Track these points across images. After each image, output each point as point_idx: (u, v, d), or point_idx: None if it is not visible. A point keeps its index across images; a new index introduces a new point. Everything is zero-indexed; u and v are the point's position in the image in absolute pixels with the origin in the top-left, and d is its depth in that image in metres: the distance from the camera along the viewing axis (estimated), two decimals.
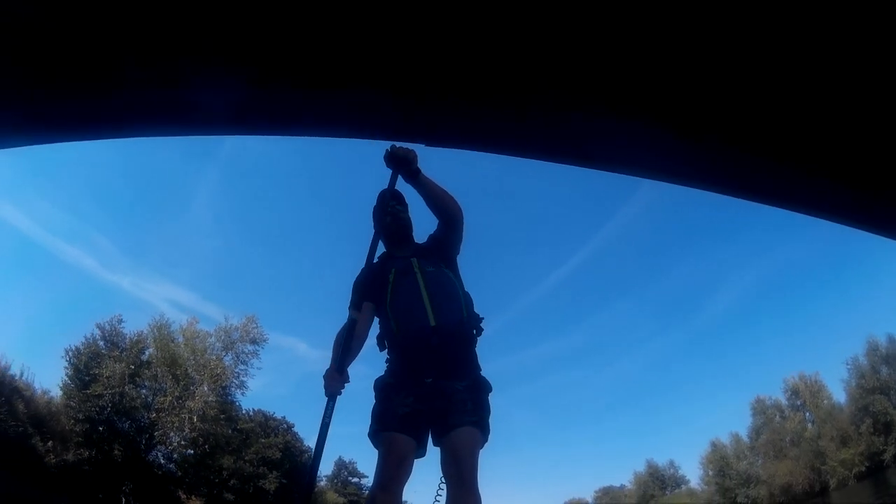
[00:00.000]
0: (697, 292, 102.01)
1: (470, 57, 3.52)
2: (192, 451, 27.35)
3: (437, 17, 3.44)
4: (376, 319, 3.63)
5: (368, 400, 3.48)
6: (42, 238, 61.92)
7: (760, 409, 45.03)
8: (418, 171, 3.63)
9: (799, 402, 43.08)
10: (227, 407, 28.67)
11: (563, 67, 4.09)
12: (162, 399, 26.14)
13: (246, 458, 33.67)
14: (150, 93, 4.61)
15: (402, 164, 3.59)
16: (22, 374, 22.73)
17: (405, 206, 3.89)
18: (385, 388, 3.39)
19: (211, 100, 4.71)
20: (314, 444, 3.11)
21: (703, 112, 4.45)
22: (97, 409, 23.93)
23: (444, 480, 3.19)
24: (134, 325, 27.84)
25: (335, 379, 3.12)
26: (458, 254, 3.86)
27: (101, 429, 24.05)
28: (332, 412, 3.04)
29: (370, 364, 3.81)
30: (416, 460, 3.32)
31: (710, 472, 46.91)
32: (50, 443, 21.05)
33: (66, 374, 25.08)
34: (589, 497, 64.49)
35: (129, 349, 26.14)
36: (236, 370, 30.23)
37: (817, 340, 73.57)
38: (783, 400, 44.01)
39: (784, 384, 44.46)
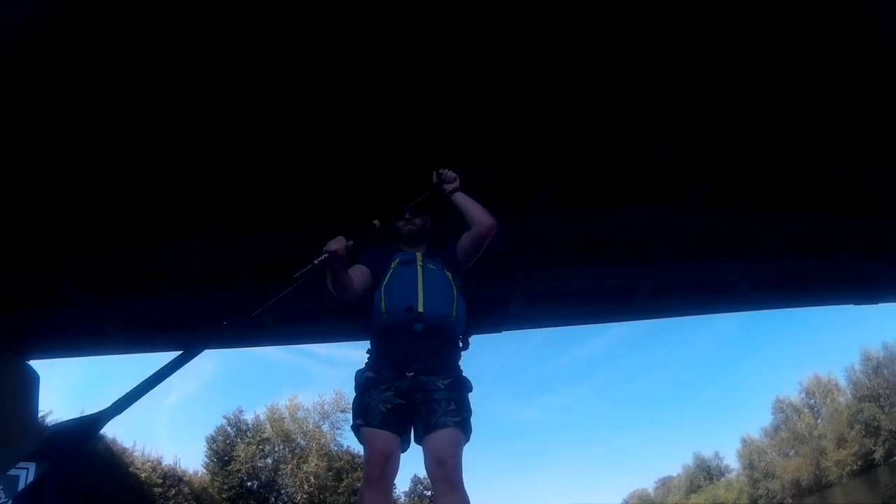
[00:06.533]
0: None
1: None
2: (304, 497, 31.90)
3: None
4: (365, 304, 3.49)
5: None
6: None
7: (780, 408, 46.85)
8: (457, 190, 3.74)
9: (813, 402, 44.92)
10: (333, 464, 33.43)
11: None
12: (285, 465, 31.31)
13: (339, 490, 36.07)
14: None
15: (445, 182, 3.72)
16: (176, 464, 27.27)
17: (424, 217, 3.82)
18: (366, 382, 3.25)
19: None
20: None
21: None
22: (237, 480, 29.02)
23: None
24: None
25: (341, 240, 3.07)
26: (469, 266, 3.76)
27: (239, 491, 29.06)
28: (321, 262, 2.94)
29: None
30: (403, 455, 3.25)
31: (743, 466, 49.07)
32: None
33: (207, 456, 30.81)
34: (650, 487, 66.59)
35: (253, 432, 31.57)
36: (334, 434, 35.85)
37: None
38: (802, 399, 45.69)
39: (799, 385, 46.37)
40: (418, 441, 3.21)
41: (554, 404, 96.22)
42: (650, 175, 9.97)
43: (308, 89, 7.95)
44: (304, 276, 2.98)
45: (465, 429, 3.18)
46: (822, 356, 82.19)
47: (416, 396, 3.17)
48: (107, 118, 8.28)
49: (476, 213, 3.70)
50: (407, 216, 3.76)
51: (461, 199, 3.77)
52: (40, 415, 16.94)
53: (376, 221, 3.37)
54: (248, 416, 32.89)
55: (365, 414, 3.16)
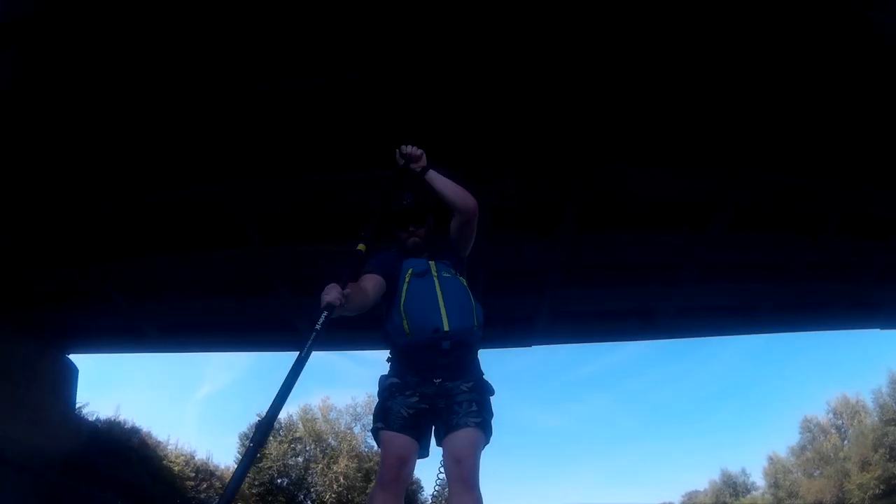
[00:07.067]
0: None
1: None
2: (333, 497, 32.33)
3: None
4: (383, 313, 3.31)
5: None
6: None
7: (807, 428, 46.07)
8: (427, 168, 3.37)
9: (840, 423, 44.15)
10: (362, 465, 33.67)
11: None
12: (315, 465, 31.78)
13: (367, 491, 35.10)
14: None
15: (412, 161, 3.35)
16: (209, 458, 28.34)
17: (427, 223, 3.48)
18: (390, 387, 3.15)
19: None
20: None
21: None
22: (267, 476, 29.57)
23: (442, 472, 3.10)
24: None
25: (335, 289, 2.68)
26: (468, 251, 3.52)
27: (269, 487, 29.66)
28: (324, 325, 2.61)
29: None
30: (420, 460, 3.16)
31: (768, 484, 48.36)
32: None
33: (239, 452, 31.25)
34: (676, 501, 65.08)
35: (285, 431, 32.17)
36: (364, 436, 35.89)
37: None
38: (829, 420, 44.86)
39: (827, 405, 45.62)
40: (439, 443, 3.14)
41: (578, 412, 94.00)
42: (673, 202, 10.24)
43: (352, 116, 8.43)
44: (314, 341, 2.61)
45: (485, 430, 3.07)
46: (853, 374, 79.28)
47: (440, 402, 3.08)
48: (154, 134, 8.97)
49: (453, 196, 3.37)
50: (410, 228, 3.43)
51: (434, 179, 3.39)
52: (77, 405, 17.57)
53: (362, 246, 2.99)
54: (281, 416, 33.36)
55: (385, 418, 3.06)
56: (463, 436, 2.98)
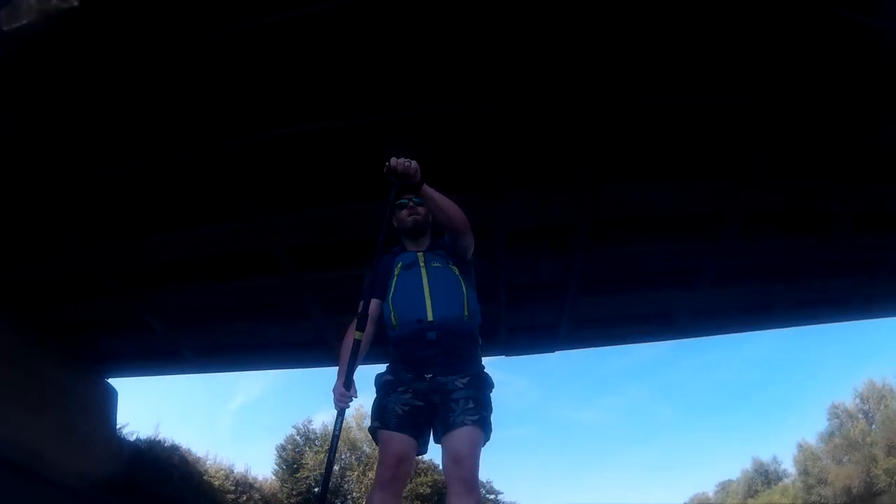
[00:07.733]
0: None
1: None
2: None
3: None
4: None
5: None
6: None
7: (835, 414, 45.58)
8: (422, 182, 3.13)
9: (867, 408, 43.57)
10: None
11: None
12: (351, 472, 32.02)
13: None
14: None
15: (404, 177, 3.07)
16: (247, 471, 28.29)
17: (423, 207, 3.33)
18: (385, 385, 3.12)
19: None
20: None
21: None
22: (305, 486, 29.91)
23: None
24: None
25: (344, 395, 2.86)
26: (469, 256, 3.37)
27: (307, 496, 29.96)
28: (341, 424, 2.89)
29: None
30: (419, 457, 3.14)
31: (798, 471, 47.81)
32: None
33: (276, 464, 32.03)
34: (711, 491, 64.23)
35: (321, 441, 32.44)
36: None
37: None
38: (856, 405, 44.28)
39: (854, 391, 45.08)
40: (437, 440, 3.05)
41: (615, 405, 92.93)
42: (685, 213, 10.41)
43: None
44: (334, 447, 2.89)
45: (484, 427, 2.99)
46: (881, 359, 77.65)
47: (434, 398, 3.02)
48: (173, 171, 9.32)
49: (445, 218, 3.23)
50: (410, 204, 3.34)
51: (431, 198, 3.19)
52: (118, 426, 17.96)
53: (358, 335, 2.95)
54: (317, 426, 33.68)
55: (381, 416, 3.03)
56: (461, 435, 2.92)
